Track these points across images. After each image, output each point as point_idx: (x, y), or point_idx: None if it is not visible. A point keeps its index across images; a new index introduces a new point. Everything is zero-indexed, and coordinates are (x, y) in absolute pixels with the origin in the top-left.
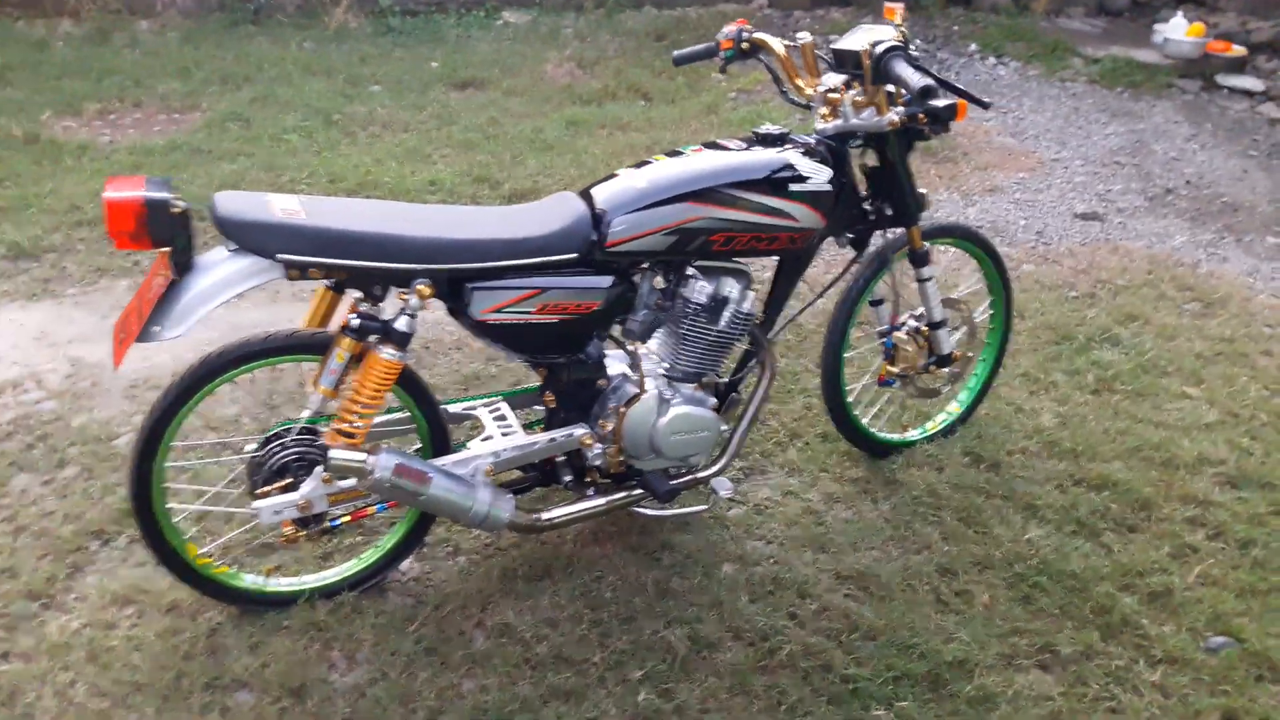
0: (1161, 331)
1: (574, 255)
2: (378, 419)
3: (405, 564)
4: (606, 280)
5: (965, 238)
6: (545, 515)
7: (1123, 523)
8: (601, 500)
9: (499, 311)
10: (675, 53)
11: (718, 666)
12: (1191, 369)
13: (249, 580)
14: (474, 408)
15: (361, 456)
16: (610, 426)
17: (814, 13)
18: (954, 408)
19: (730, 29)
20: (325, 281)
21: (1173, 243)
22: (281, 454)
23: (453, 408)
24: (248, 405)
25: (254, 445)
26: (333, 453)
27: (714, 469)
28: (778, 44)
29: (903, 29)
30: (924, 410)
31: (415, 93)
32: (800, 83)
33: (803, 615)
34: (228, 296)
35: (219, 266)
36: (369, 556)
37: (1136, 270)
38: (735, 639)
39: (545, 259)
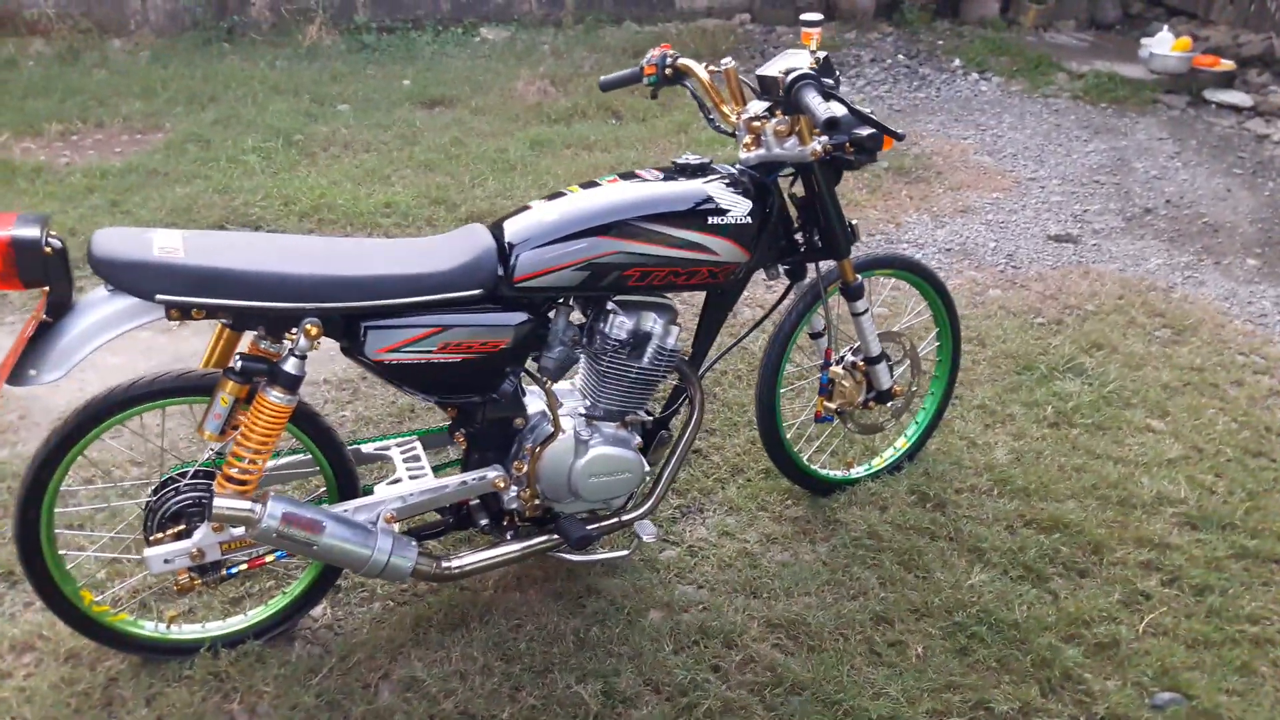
0: (1128, 360)
1: (479, 291)
2: (281, 461)
3: (318, 610)
4: (515, 317)
5: (905, 268)
6: (453, 564)
7: (1073, 567)
8: (516, 547)
9: (396, 351)
10: (602, 79)
11: None
12: (1156, 400)
13: (149, 628)
14: (387, 447)
15: (248, 505)
16: (525, 468)
17: (796, 28)
18: (901, 443)
19: (655, 54)
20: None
21: (1147, 265)
22: (175, 499)
23: (366, 448)
24: (150, 448)
25: (150, 489)
26: (217, 501)
27: (639, 511)
28: (701, 70)
29: (817, 55)
30: (871, 446)
31: (382, 111)
32: (726, 110)
33: (726, 667)
34: (105, 340)
35: (96, 308)
36: (276, 603)
37: (1107, 295)
38: (654, 693)
39: (447, 295)
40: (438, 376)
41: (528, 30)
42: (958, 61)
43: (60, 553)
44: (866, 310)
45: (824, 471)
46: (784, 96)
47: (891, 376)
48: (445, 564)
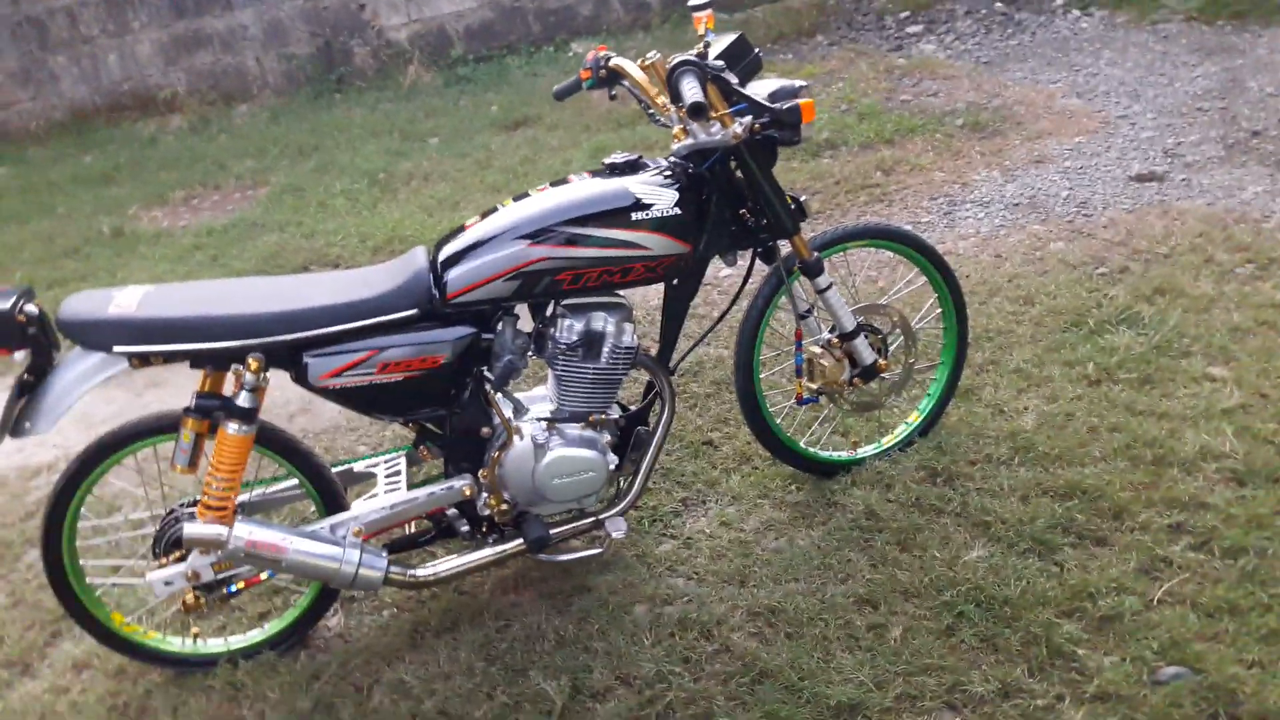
0: (1194, 304)
1: (414, 311)
2: (274, 488)
3: (334, 620)
4: (453, 332)
5: (883, 237)
6: (422, 572)
7: (1088, 535)
8: (487, 552)
9: (338, 376)
10: (555, 89)
11: (597, 716)
12: (1220, 346)
13: (176, 644)
14: (376, 464)
15: (215, 529)
16: (490, 475)
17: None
18: (913, 418)
19: (590, 57)
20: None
21: (1242, 195)
22: (175, 527)
23: (356, 466)
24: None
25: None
26: (187, 527)
27: (614, 510)
28: (633, 68)
29: (705, 40)
30: (884, 424)
31: (465, 140)
32: (661, 102)
33: (698, 658)
34: (82, 392)
35: (71, 366)
36: (288, 616)
37: (1184, 234)
38: (625, 686)
39: (380, 319)
40: (383, 396)
41: (616, 37)
42: (1060, 0)
43: (88, 580)
44: (830, 285)
45: (824, 454)
46: (668, 87)
47: (875, 352)
48: (415, 572)
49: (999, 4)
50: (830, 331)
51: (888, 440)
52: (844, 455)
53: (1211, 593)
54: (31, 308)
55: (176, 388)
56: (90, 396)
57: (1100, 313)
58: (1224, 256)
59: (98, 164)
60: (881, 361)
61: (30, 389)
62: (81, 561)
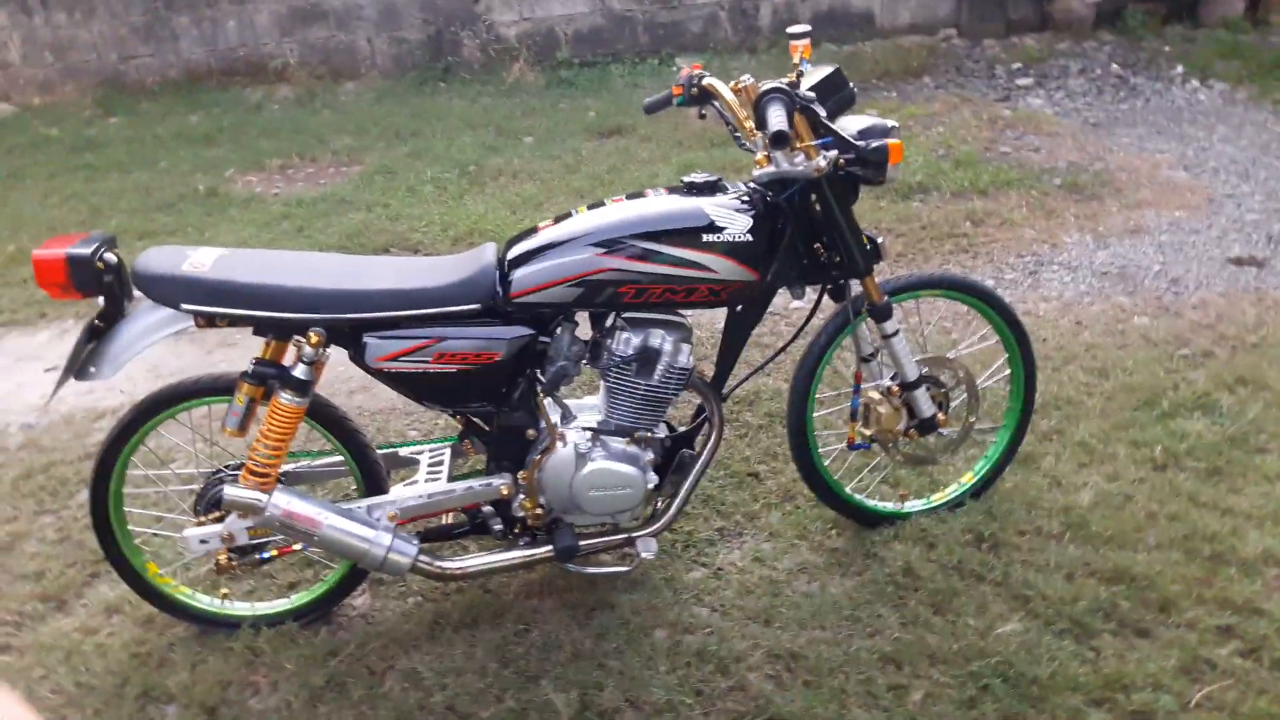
0: (1277, 399)
1: (476, 306)
2: (319, 462)
3: (361, 600)
4: (512, 331)
5: (956, 289)
6: (451, 565)
7: (1129, 625)
8: (515, 554)
9: (394, 360)
10: (645, 101)
11: None
12: None
13: (205, 601)
14: (421, 452)
15: (255, 495)
16: (529, 478)
17: (1007, 40)
18: (967, 478)
19: (683, 74)
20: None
21: None
22: (217, 488)
23: (402, 451)
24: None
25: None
26: (228, 489)
27: (648, 530)
28: (725, 89)
29: (799, 69)
30: (938, 480)
31: (558, 142)
32: (748, 126)
33: (711, 692)
34: (147, 344)
35: (140, 317)
36: (316, 590)
37: (1277, 325)
38: (633, 709)
39: (443, 309)
40: (436, 385)
41: (721, 57)
42: (1179, 69)
43: (129, 528)
44: (897, 332)
45: (870, 503)
46: (754, 112)
47: (935, 405)
48: (443, 565)
49: (1115, 66)
50: (892, 379)
51: (937, 498)
52: (890, 507)
53: (1254, 704)
54: (111, 256)
55: (247, 350)
56: (162, 349)
57: (1176, 395)
58: None
59: (203, 124)
60: (941, 416)
61: (99, 335)
62: (126, 509)
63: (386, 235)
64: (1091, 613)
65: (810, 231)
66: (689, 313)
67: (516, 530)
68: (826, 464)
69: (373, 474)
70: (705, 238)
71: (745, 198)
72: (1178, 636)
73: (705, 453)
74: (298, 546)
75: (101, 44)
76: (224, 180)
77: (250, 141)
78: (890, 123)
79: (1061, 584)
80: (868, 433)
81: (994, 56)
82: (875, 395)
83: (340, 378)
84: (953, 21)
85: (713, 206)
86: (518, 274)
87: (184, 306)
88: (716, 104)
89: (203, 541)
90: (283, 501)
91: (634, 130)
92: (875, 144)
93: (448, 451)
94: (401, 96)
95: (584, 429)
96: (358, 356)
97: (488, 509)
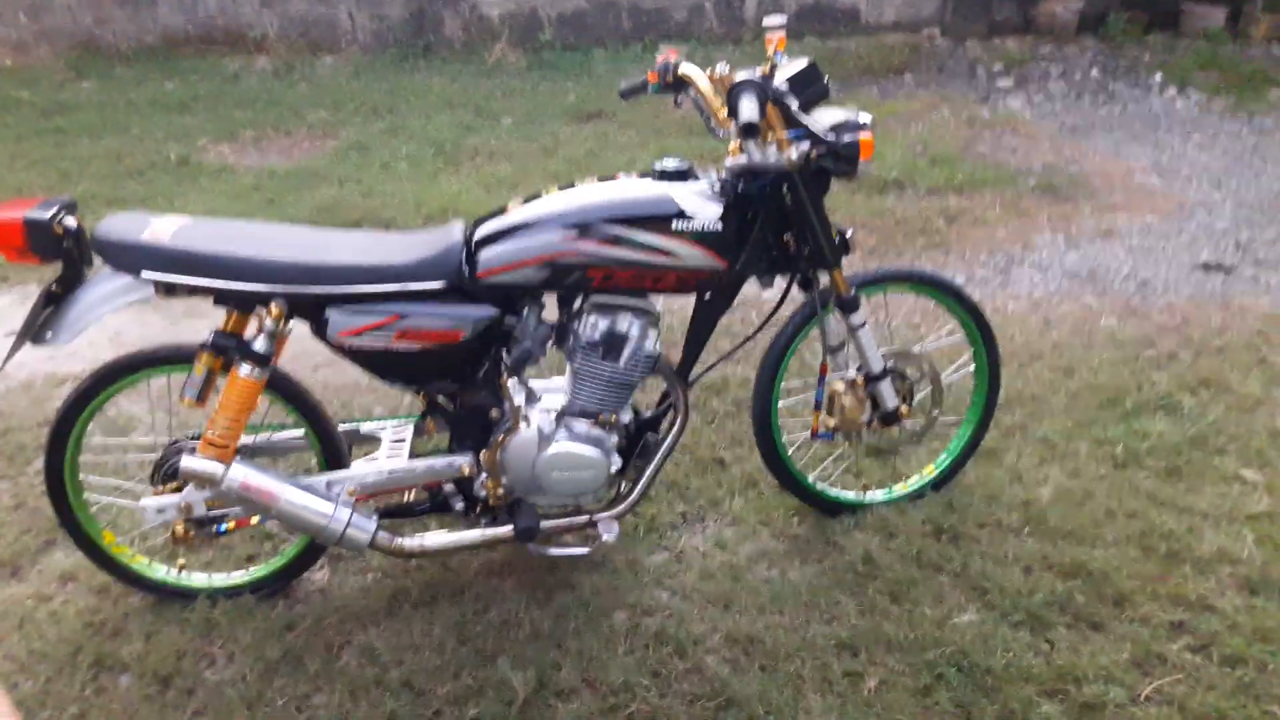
0: (1239, 402)
1: (441, 284)
2: (280, 435)
3: (319, 575)
4: (476, 310)
5: (923, 283)
6: (411, 543)
7: (1084, 618)
8: (475, 534)
9: (357, 336)
10: (621, 86)
11: (558, 715)
12: (1258, 448)
13: (161, 571)
14: (383, 428)
15: (212, 466)
16: (491, 458)
17: (989, 41)
18: (929, 470)
19: (660, 60)
20: None
21: None
22: (175, 458)
23: (364, 427)
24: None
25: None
26: (185, 459)
27: (612, 512)
28: (701, 77)
29: (773, 61)
30: (899, 472)
31: (536, 125)
32: (722, 115)
33: (668, 674)
34: (105, 311)
35: (99, 284)
36: (274, 563)
37: (1241, 330)
38: (590, 689)
39: (406, 286)
40: (398, 363)
41: (706, 47)
42: (1158, 77)
43: (86, 495)
44: (864, 324)
45: (832, 492)
46: (727, 101)
47: (899, 398)
48: (402, 542)
49: (1095, 71)
50: (857, 370)
51: (899, 488)
52: (851, 496)
53: (1202, 698)
54: (70, 221)
55: (215, 320)
56: (127, 317)
57: (1140, 395)
58: (1278, 359)
59: (178, 92)
60: (904, 408)
61: (57, 300)
62: (82, 476)
63: (358, 211)
64: (1047, 605)
65: (780, 222)
66: (657, 299)
67: (478, 509)
68: (790, 453)
69: (333, 449)
70: (675, 225)
71: (716, 186)
72: (1131, 631)
73: (669, 438)
74: (256, 519)
75: (77, 6)
76: (196, 149)
77: (225, 111)
78: (863, 118)
79: (1019, 576)
80: (832, 423)
81: (976, 57)
82: (840, 386)
83: (306, 352)
84: (937, 21)
85: (683, 194)
86: (485, 253)
87: (144, 274)
88: (692, 92)
89: (160, 511)
90: (240, 474)
91: (614, 116)
92: (847, 138)
93: (410, 429)
94: (380, 72)
95: (547, 410)
96: (319, 331)
97: (449, 487)
